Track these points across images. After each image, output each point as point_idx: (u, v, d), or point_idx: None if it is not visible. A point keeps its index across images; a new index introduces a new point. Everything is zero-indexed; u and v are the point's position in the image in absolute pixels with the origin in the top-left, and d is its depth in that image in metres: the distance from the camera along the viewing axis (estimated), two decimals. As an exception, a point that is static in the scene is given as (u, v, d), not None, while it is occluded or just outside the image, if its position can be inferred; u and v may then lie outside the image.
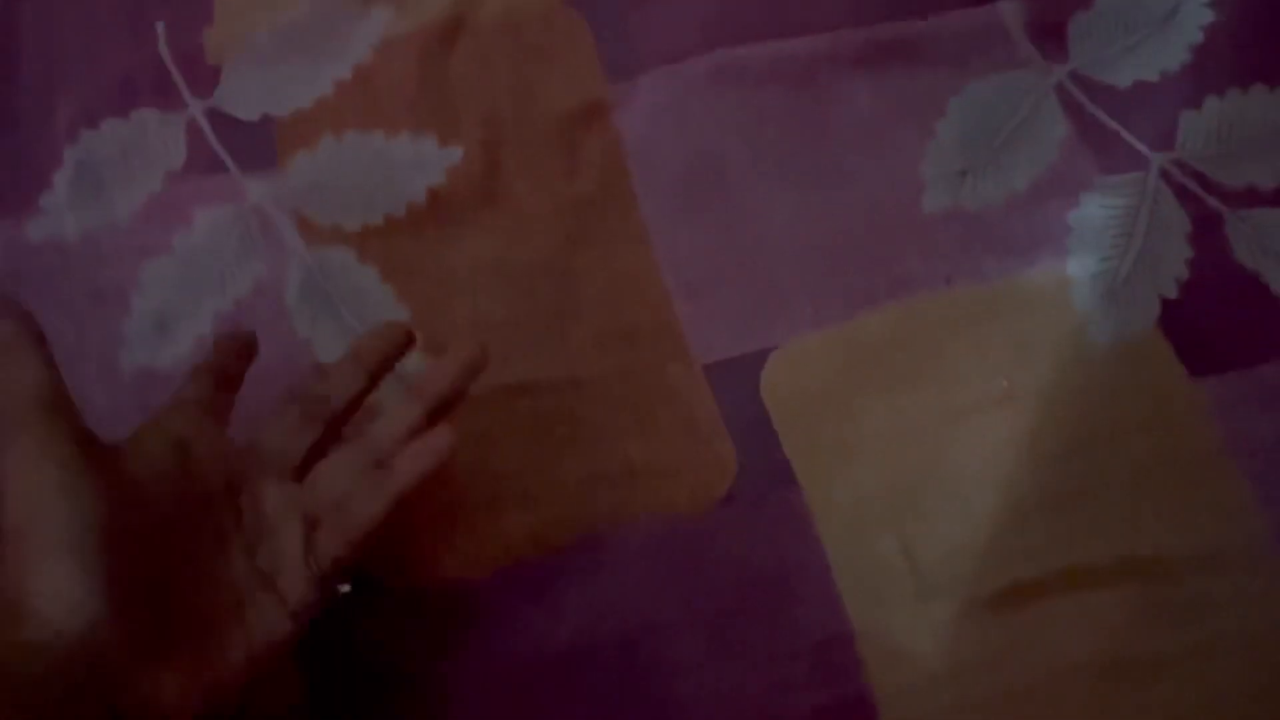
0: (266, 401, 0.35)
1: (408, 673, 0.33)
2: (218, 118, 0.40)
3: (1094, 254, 0.36)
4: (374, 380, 0.31)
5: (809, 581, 0.32)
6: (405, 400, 0.30)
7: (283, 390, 0.31)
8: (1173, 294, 0.35)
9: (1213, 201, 0.36)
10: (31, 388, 0.24)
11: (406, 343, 0.32)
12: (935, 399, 0.35)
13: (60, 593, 0.22)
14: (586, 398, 0.36)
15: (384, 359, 0.31)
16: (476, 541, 0.34)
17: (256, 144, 0.39)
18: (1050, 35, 0.39)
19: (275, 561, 0.27)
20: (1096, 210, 0.36)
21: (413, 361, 0.36)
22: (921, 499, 0.33)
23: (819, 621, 0.32)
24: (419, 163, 0.39)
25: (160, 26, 0.41)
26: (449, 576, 0.34)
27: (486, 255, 0.38)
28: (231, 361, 0.31)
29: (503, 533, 0.34)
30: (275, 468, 0.29)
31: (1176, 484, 0.33)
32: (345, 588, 0.29)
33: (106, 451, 0.25)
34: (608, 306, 0.37)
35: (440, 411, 0.31)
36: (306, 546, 0.27)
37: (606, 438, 0.35)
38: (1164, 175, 0.37)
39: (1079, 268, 0.36)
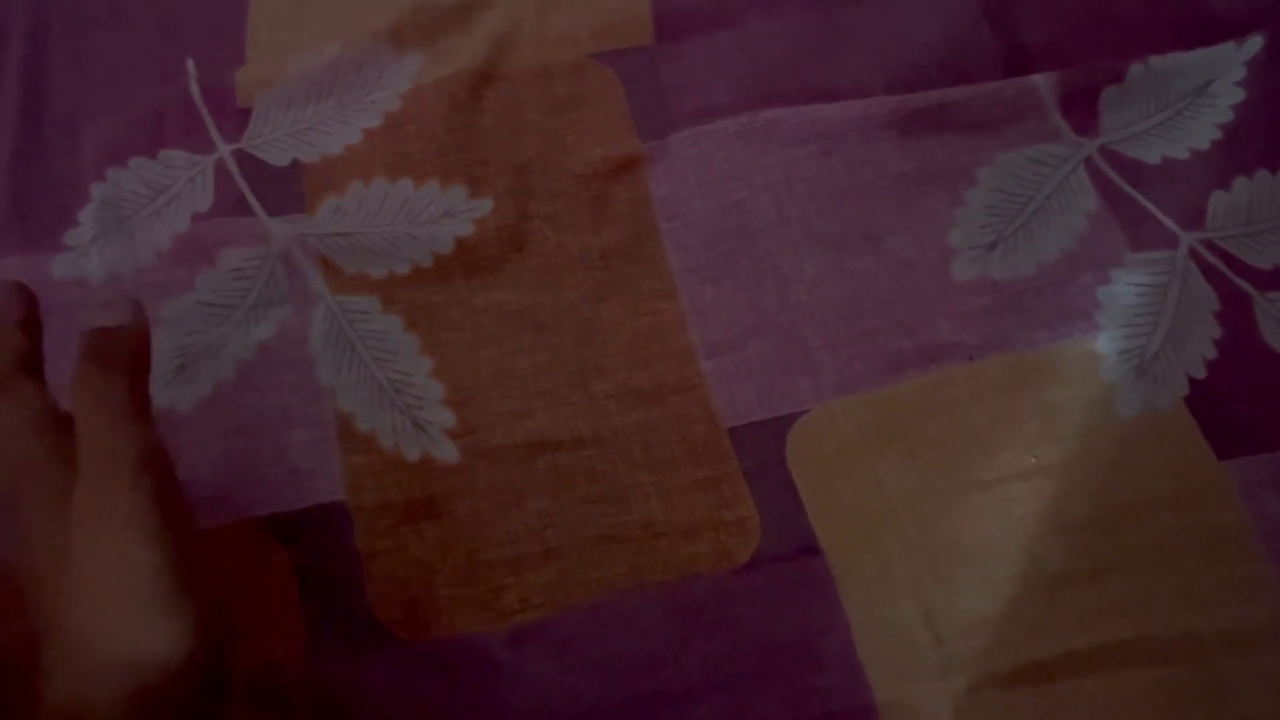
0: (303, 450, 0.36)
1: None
2: (246, 161, 0.41)
3: (1123, 330, 0.38)
4: None
5: (832, 651, 0.34)
6: None
7: None
8: (1201, 374, 0.37)
9: (1241, 282, 0.38)
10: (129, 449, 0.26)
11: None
12: (961, 469, 0.36)
13: (157, 637, 0.24)
14: (608, 455, 0.37)
15: None
16: (494, 597, 0.35)
17: (284, 188, 0.41)
18: (1081, 108, 0.42)
19: None
20: (1126, 287, 0.38)
21: (434, 411, 0.38)
22: (946, 570, 0.35)
23: (841, 691, 0.33)
24: (447, 213, 0.41)
25: (191, 65, 0.43)
26: (465, 632, 0.35)
27: (512, 306, 0.39)
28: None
29: (521, 589, 0.35)
30: None
31: (1202, 563, 0.35)
32: None
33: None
34: (633, 361, 0.38)
35: None
36: None
37: (628, 496, 0.37)
38: (1193, 254, 0.39)
39: (1108, 343, 0.37)
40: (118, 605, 0.24)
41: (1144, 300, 0.38)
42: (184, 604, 0.24)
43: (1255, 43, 0.42)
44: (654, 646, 0.34)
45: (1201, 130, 0.41)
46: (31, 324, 0.29)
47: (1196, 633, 0.34)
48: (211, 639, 0.25)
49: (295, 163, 0.41)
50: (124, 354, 0.28)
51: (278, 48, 0.44)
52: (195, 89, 0.43)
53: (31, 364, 0.28)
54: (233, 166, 0.41)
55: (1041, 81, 0.42)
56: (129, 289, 0.39)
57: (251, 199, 0.41)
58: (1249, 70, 0.42)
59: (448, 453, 0.37)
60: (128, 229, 0.40)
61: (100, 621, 0.24)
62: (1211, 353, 0.37)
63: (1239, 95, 0.41)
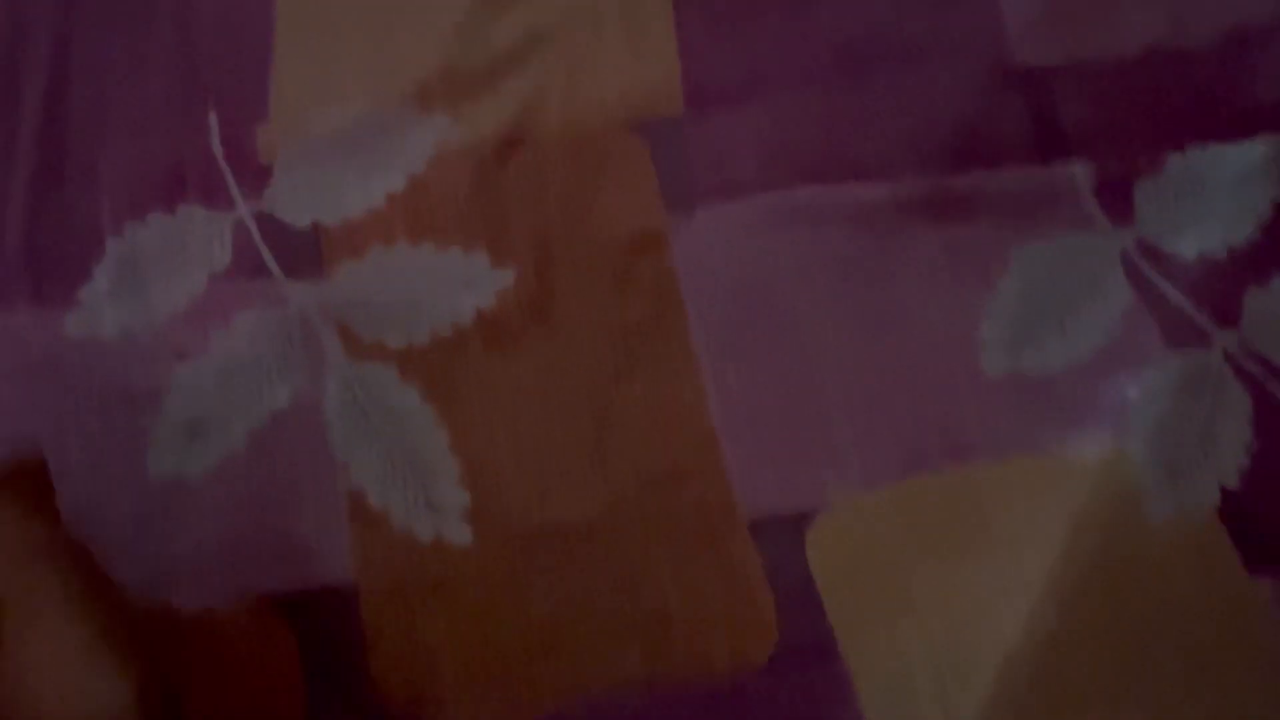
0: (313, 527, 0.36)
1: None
2: (266, 221, 0.41)
3: (1154, 433, 0.37)
4: None
5: (849, 761, 0.33)
6: None
7: None
8: (1233, 483, 0.36)
9: (1276, 387, 0.38)
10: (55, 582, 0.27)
11: None
12: (986, 572, 0.35)
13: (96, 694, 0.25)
14: (625, 540, 0.36)
15: None
16: (505, 691, 0.34)
17: (303, 250, 0.40)
18: (1117, 197, 0.41)
19: None
20: (1158, 387, 0.38)
21: (448, 490, 0.37)
22: (969, 677, 0.34)
23: (858, 806, 0.33)
24: (469, 281, 0.40)
25: (213, 118, 0.43)
26: (472, 722, 0.34)
27: (531, 381, 0.39)
28: None
29: (533, 682, 0.35)
30: None
31: (1234, 682, 0.34)
32: None
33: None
34: (653, 442, 0.38)
35: None
36: None
37: (643, 585, 0.36)
38: (1227, 356, 0.38)
39: (1139, 446, 0.37)
40: (57, 675, 0.25)
41: (1176, 403, 0.37)
42: (118, 664, 0.25)
43: (1297, 137, 0.41)
44: (667, 748, 0.34)
45: (1240, 226, 0.40)
46: None
47: (1224, 756, 0.33)
48: (156, 693, 0.26)
49: (315, 224, 0.41)
50: (16, 470, 0.30)
51: (302, 103, 0.43)
52: (216, 143, 0.42)
53: None
54: (252, 226, 0.41)
55: (1077, 167, 0.41)
56: (143, 348, 0.39)
57: (270, 261, 0.40)
58: (1290, 166, 0.41)
59: (461, 535, 0.36)
60: (143, 287, 0.40)
61: (43, 690, 0.25)
62: (1245, 461, 0.37)
63: (1278, 192, 0.41)
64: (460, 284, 0.40)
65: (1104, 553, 0.35)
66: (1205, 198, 0.41)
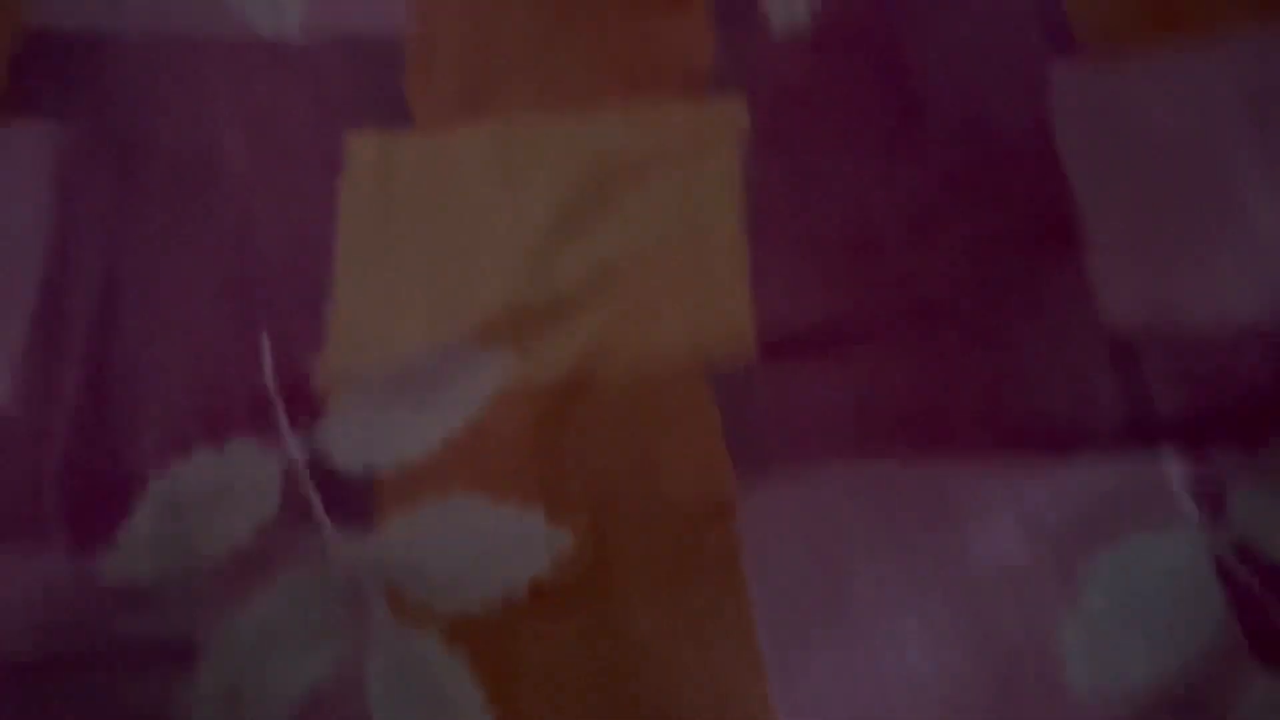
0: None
1: None
2: (317, 465, 0.39)
3: (1250, 773, 0.35)
4: None
5: None
6: None
7: None
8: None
9: (1382, 725, 0.35)
10: None
11: None
12: None
13: None
14: None
15: None
16: None
17: (355, 500, 0.39)
18: (1211, 491, 0.39)
19: None
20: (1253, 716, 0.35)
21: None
22: None
23: None
24: (524, 543, 0.38)
25: (266, 343, 0.41)
26: None
27: (586, 667, 0.37)
28: None
29: None
30: None
31: None
32: None
33: None
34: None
35: None
36: None
37: None
38: (1330, 686, 0.36)
39: (1233, 788, 0.34)
40: None
41: (1273, 736, 0.35)
42: None
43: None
44: None
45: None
46: None
47: None
48: None
49: (369, 470, 0.39)
50: None
51: (360, 334, 0.42)
52: (269, 372, 0.41)
53: None
54: (302, 470, 0.39)
55: (1169, 455, 0.39)
56: (180, 602, 0.37)
57: (318, 509, 0.39)
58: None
59: None
60: (186, 533, 0.38)
61: None
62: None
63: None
64: (515, 546, 0.38)
65: None
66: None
